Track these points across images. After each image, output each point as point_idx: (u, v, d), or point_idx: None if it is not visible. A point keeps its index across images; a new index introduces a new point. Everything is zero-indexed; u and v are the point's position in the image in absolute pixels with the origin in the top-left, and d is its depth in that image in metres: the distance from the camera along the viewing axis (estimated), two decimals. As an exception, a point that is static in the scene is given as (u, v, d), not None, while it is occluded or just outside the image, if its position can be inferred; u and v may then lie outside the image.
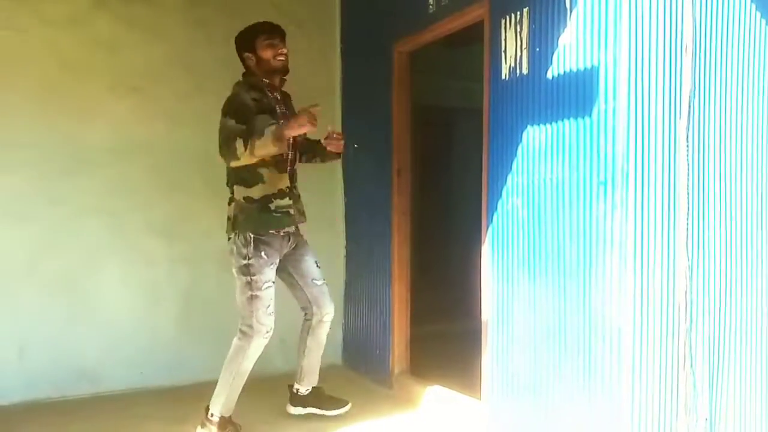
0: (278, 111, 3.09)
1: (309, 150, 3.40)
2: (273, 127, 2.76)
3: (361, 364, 4.30)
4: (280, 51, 3.04)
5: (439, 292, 4.84)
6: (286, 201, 3.09)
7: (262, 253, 2.98)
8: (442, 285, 4.89)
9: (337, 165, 4.47)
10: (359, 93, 4.34)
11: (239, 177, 3.02)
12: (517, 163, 2.91)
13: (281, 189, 3.08)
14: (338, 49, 4.49)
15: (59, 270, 3.74)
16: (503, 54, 2.98)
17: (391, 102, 3.92)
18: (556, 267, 2.73)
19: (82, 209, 3.77)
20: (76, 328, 3.78)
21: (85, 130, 3.78)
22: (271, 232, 3.03)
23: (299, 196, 3.24)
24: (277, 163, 3.04)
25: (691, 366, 2.59)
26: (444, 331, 4.55)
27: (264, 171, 3.02)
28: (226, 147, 2.80)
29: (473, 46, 3.47)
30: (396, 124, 3.93)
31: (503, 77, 2.98)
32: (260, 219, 3.00)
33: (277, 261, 3.09)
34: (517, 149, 2.91)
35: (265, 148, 2.75)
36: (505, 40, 2.96)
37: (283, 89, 3.21)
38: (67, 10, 3.73)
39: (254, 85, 3.06)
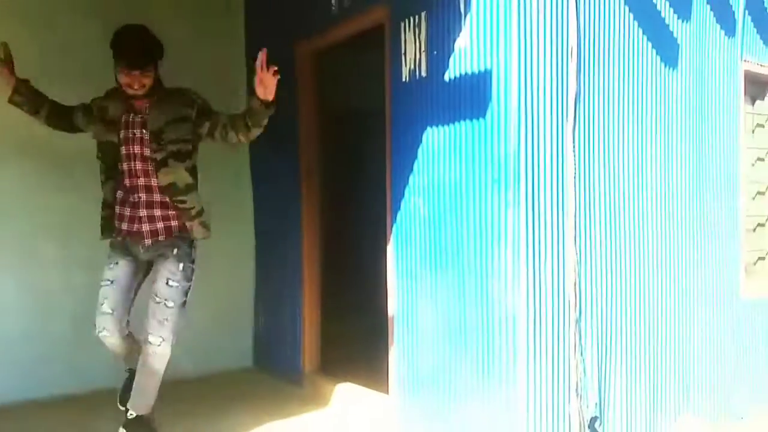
0: (123, 119, 2.89)
1: (250, 113, 2.85)
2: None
3: (272, 364, 4.29)
4: (134, 84, 2.79)
5: (349, 290, 4.88)
6: (122, 209, 2.94)
7: (109, 255, 2.98)
8: (352, 283, 4.94)
9: (245, 164, 4.44)
10: (266, 93, 4.31)
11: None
12: (418, 164, 2.99)
13: (117, 198, 2.96)
14: (243, 47, 4.44)
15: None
16: (403, 56, 3.05)
17: (297, 102, 3.93)
18: (455, 262, 2.83)
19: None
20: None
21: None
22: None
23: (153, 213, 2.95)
24: (117, 172, 2.93)
25: (581, 353, 2.75)
26: (355, 329, 4.60)
27: (103, 177, 3.01)
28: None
29: (377, 48, 3.52)
30: (303, 125, 3.95)
31: (404, 79, 3.06)
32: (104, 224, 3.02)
33: (122, 261, 2.95)
34: (417, 150, 2.99)
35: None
36: (405, 42, 3.04)
37: (177, 87, 2.98)
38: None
39: (110, 94, 2.94)
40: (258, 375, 4.31)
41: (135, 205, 2.92)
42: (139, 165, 2.88)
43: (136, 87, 2.79)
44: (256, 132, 2.85)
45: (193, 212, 2.96)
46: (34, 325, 3.77)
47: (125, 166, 2.90)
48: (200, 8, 4.27)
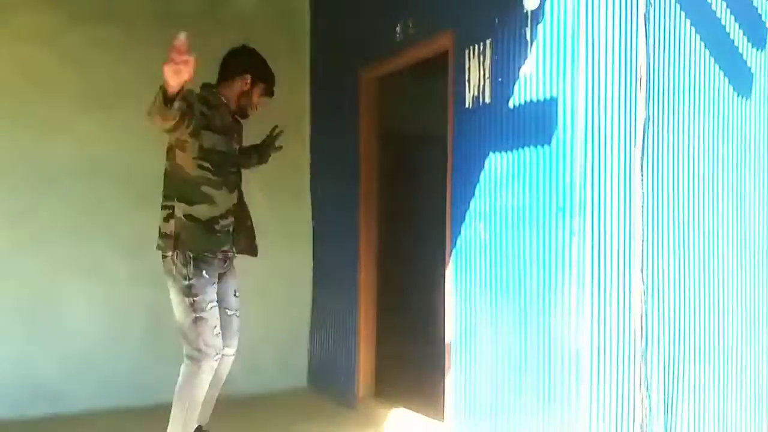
0: (230, 131, 2.99)
1: (261, 151, 3.34)
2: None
3: (326, 387, 4.29)
4: (263, 105, 3.11)
5: (404, 315, 4.87)
6: (229, 220, 2.97)
7: (204, 272, 2.83)
8: (408, 308, 4.93)
9: (305, 188, 4.51)
10: (327, 118, 4.40)
11: (181, 192, 2.85)
12: (480, 189, 2.98)
13: (228, 209, 2.96)
14: (307, 73, 4.55)
15: (21, 288, 3.69)
16: (467, 83, 3.06)
17: (358, 127, 3.99)
18: (517, 290, 2.79)
19: (45, 228, 3.74)
20: (37, 347, 3.73)
21: (50, 147, 3.77)
22: (208, 253, 2.89)
23: (248, 216, 3.13)
24: (226, 183, 2.94)
25: (647, 389, 2.66)
26: (409, 354, 4.58)
27: (211, 192, 2.87)
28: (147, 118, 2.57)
29: (440, 74, 3.56)
30: (363, 149, 3.99)
31: (467, 106, 3.07)
32: (202, 239, 2.86)
33: (217, 280, 2.95)
34: (480, 175, 2.98)
35: (156, 107, 2.46)
36: (469, 69, 3.05)
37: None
38: (37, 26, 3.74)
39: (207, 101, 2.87)
40: (312, 397, 4.33)
41: (239, 215, 3.09)
42: (238, 178, 3.06)
43: (257, 108, 3.06)
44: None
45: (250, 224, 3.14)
46: (106, 339, 3.90)
47: (234, 173, 3.02)
48: (267, 38, 4.38)
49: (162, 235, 2.87)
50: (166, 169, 2.90)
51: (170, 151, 2.86)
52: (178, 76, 2.31)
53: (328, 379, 4.29)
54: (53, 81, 3.78)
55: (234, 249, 3.07)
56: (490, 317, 2.92)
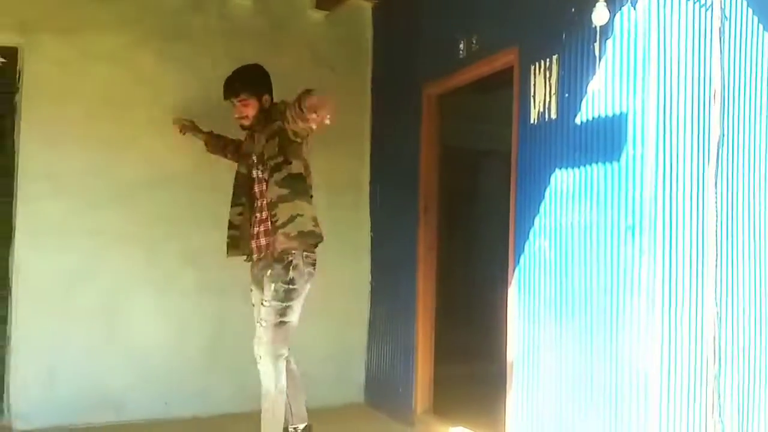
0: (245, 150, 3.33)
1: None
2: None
3: (383, 402, 4.28)
4: (235, 112, 3.25)
5: (463, 332, 4.83)
6: (235, 232, 3.29)
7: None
8: (467, 325, 4.88)
9: (364, 199, 4.54)
10: (388, 132, 4.42)
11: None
12: (545, 206, 2.94)
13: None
14: (369, 90, 4.60)
15: (94, 298, 3.82)
16: (532, 99, 3.04)
17: (419, 142, 4.00)
18: (582, 310, 2.73)
19: (119, 238, 3.87)
20: (105, 356, 3.84)
21: (123, 162, 3.89)
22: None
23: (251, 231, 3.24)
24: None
25: (720, 414, 2.56)
26: (468, 372, 4.53)
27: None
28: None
29: (500, 90, 3.54)
30: (423, 163, 4.00)
31: (532, 121, 3.04)
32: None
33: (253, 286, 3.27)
34: (544, 192, 2.94)
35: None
36: (534, 85, 3.03)
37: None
38: (110, 46, 3.89)
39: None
40: (369, 412, 4.32)
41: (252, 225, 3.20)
42: (256, 188, 3.17)
43: (236, 115, 3.20)
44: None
45: (278, 223, 3.03)
46: (171, 347, 4.00)
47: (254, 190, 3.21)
48: (330, 56, 4.46)
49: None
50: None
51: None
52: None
53: (385, 395, 4.28)
54: (125, 98, 3.91)
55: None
56: (554, 337, 2.87)
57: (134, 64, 3.94)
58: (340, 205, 4.35)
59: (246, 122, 3.21)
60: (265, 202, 3.12)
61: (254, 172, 3.18)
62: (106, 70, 3.87)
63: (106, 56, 3.88)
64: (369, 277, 4.55)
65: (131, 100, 3.93)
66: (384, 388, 4.31)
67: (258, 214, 3.17)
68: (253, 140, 3.22)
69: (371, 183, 4.57)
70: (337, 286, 4.39)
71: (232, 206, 3.27)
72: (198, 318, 4.04)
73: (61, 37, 3.78)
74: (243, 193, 3.23)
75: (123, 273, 3.88)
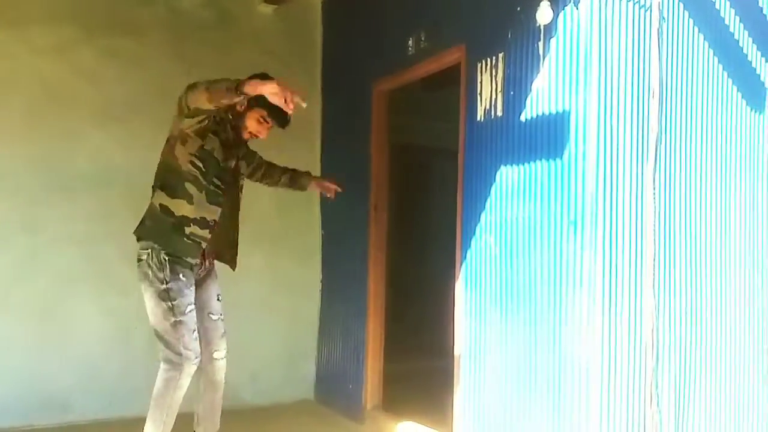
0: (230, 147, 2.98)
1: (295, 179, 3.41)
2: (234, 79, 2.58)
3: (333, 399, 4.27)
4: (262, 133, 2.98)
5: (413, 328, 4.86)
6: (205, 233, 2.88)
7: (181, 275, 2.80)
8: (417, 321, 4.91)
9: (315, 199, 4.51)
10: (338, 129, 4.41)
11: (166, 181, 2.84)
12: (491, 202, 2.98)
13: (204, 218, 2.86)
14: (319, 86, 4.57)
15: (31, 297, 3.71)
16: (479, 96, 3.07)
17: (369, 139, 4.00)
18: (526, 305, 2.77)
19: (58, 236, 3.76)
20: (47, 356, 3.73)
21: (65, 158, 3.79)
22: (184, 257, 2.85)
23: (236, 229, 3.08)
24: (209, 191, 2.86)
25: (658, 404, 2.63)
26: (417, 368, 4.55)
27: (193, 191, 2.81)
28: (190, 88, 2.65)
29: (450, 87, 3.56)
30: (374, 161, 4.00)
31: (478, 119, 3.07)
32: (167, 236, 2.81)
33: (193, 283, 2.91)
34: (490, 188, 2.98)
35: (219, 90, 2.54)
36: (481, 83, 3.06)
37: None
38: (54, 40, 3.78)
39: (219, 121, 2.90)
40: (318, 408, 4.31)
41: (216, 232, 3.02)
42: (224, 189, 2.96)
43: (255, 132, 2.96)
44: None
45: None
46: (114, 346, 3.90)
47: (223, 191, 2.94)
48: (279, 51, 4.41)
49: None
50: (160, 161, 2.90)
51: (169, 141, 2.87)
52: (271, 95, 2.53)
53: (335, 392, 4.27)
54: (68, 93, 3.81)
55: (211, 258, 3.06)
56: (499, 331, 2.91)
57: (78, 58, 3.84)
58: (290, 203, 4.32)
59: (255, 138, 3.02)
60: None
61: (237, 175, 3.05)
62: (50, 64, 3.76)
63: (50, 50, 3.77)
64: (320, 276, 4.54)
65: (74, 94, 3.82)
66: (334, 385, 4.30)
67: (230, 224, 3.04)
68: (240, 144, 3.04)
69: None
70: (287, 283, 4.37)
71: (211, 204, 2.88)
72: (140, 316, 3.92)
73: (4, 30, 3.66)
74: (216, 189, 2.90)
75: (62, 272, 3.77)
